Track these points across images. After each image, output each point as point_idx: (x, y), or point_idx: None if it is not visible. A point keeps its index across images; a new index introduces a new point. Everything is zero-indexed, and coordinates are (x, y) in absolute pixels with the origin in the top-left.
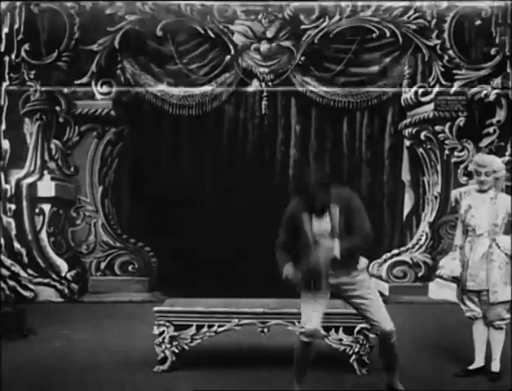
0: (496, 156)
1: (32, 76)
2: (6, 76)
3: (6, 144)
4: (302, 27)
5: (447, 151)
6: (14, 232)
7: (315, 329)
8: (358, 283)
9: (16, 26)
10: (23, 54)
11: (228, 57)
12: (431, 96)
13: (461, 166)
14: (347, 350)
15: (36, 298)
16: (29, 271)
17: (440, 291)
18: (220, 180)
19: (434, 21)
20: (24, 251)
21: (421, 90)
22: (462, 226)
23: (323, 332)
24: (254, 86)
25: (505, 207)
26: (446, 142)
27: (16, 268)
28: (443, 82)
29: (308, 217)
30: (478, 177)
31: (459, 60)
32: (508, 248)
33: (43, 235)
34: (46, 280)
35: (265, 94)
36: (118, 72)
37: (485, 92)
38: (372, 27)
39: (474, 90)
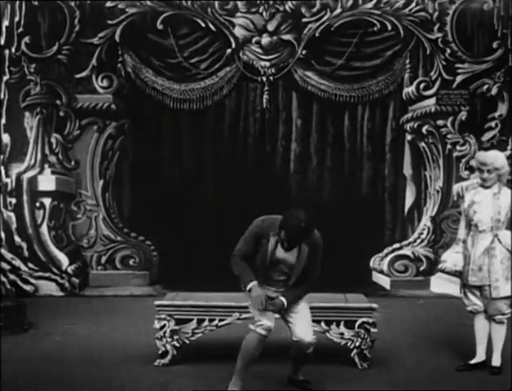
0: (498, 152)
1: (32, 70)
2: (7, 70)
3: (6, 138)
4: (304, 20)
5: (449, 146)
6: (14, 226)
7: (271, 325)
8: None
9: (16, 19)
10: (23, 47)
11: (229, 51)
12: (433, 90)
13: (463, 160)
14: (348, 344)
15: (36, 292)
16: (30, 265)
17: (442, 285)
18: (221, 174)
19: (435, 14)
20: (24, 245)
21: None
22: (465, 221)
23: (309, 342)
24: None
25: (508, 202)
26: (448, 136)
27: (17, 262)
28: (445, 76)
29: (275, 242)
30: (481, 175)
31: (461, 54)
32: (510, 243)
33: (44, 228)
34: (46, 274)
35: (266, 88)
36: (119, 65)
37: (487, 86)
38: (373, 20)
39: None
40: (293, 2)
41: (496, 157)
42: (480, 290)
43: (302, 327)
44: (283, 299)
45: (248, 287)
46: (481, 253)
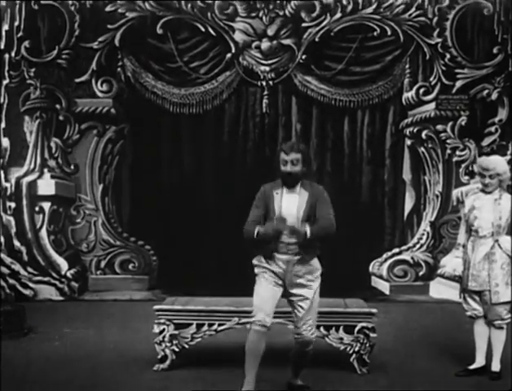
0: (500, 157)
1: (32, 74)
2: (6, 74)
3: (6, 142)
4: (303, 25)
5: (448, 151)
6: (14, 230)
7: (265, 319)
8: (308, 278)
9: (16, 23)
10: (23, 51)
11: (229, 55)
12: (433, 95)
13: (463, 165)
14: (348, 349)
15: (36, 296)
16: (29, 269)
17: (442, 290)
18: (221, 178)
19: (435, 19)
20: (24, 249)
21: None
22: (465, 226)
23: (307, 338)
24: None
25: (508, 208)
26: (448, 141)
27: (16, 266)
28: (445, 81)
29: (280, 194)
30: (483, 180)
31: (461, 59)
32: (510, 248)
33: (43, 233)
34: (46, 278)
35: (266, 92)
36: (119, 70)
37: (487, 91)
38: (373, 25)
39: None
40: (293, 6)
41: (498, 162)
42: (480, 295)
43: (307, 321)
44: (307, 228)
45: (264, 229)
46: (481, 258)
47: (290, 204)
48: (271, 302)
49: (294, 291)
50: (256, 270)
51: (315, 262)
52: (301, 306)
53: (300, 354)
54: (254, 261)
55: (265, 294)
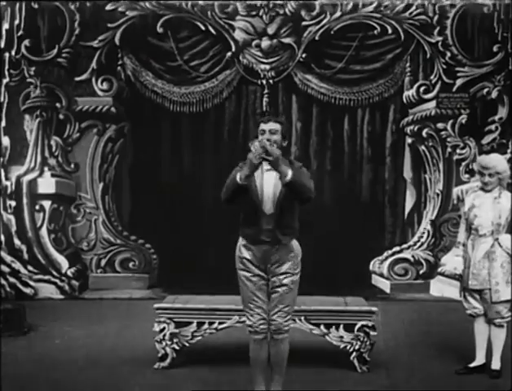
0: (500, 156)
1: (32, 73)
2: (6, 73)
3: (6, 141)
4: (304, 23)
5: (449, 149)
6: (14, 229)
7: (259, 320)
8: (287, 264)
9: (16, 22)
10: (23, 50)
11: (229, 54)
12: (433, 93)
13: (463, 163)
14: (348, 348)
15: (36, 295)
16: (30, 268)
17: (442, 288)
18: (221, 177)
19: (436, 18)
20: (24, 248)
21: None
22: (465, 224)
23: (279, 325)
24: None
25: (508, 206)
26: (448, 139)
27: (17, 265)
28: (446, 79)
29: (260, 171)
30: (482, 179)
31: (461, 57)
32: (510, 246)
33: (43, 231)
34: (46, 277)
35: (266, 91)
36: (119, 68)
37: (487, 89)
38: (373, 23)
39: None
40: (293, 5)
41: (497, 161)
42: (480, 293)
43: (282, 308)
44: (289, 170)
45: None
46: (481, 257)
47: (269, 180)
48: (261, 303)
49: (274, 278)
50: (237, 265)
51: (295, 247)
52: (277, 292)
53: (273, 343)
54: (236, 252)
55: (251, 296)
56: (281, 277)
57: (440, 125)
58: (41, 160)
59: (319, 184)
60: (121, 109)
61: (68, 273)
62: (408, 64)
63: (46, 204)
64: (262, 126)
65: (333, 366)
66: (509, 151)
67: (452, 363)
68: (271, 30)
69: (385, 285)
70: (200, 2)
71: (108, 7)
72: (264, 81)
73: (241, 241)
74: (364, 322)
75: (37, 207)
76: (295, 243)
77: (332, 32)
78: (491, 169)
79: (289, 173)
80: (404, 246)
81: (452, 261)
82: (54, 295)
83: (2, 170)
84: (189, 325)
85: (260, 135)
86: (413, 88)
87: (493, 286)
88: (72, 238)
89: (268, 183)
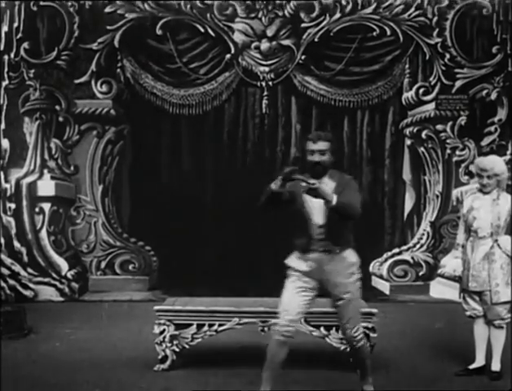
0: (498, 158)
1: (31, 75)
2: (6, 75)
3: (5, 143)
4: (303, 25)
5: (448, 150)
6: (14, 231)
7: (287, 324)
8: (342, 275)
9: (16, 25)
10: (22, 53)
11: (228, 56)
12: (433, 95)
13: (463, 165)
14: (348, 349)
15: (36, 297)
16: (29, 270)
17: (442, 290)
18: (220, 179)
19: (435, 19)
20: (24, 250)
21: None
22: (464, 226)
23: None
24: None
25: (507, 208)
26: (447, 141)
27: (16, 267)
28: (445, 81)
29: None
30: (481, 181)
31: (460, 59)
32: (509, 248)
33: (43, 234)
34: (46, 279)
35: (265, 93)
36: (118, 71)
37: (486, 91)
38: (372, 25)
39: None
40: (293, 7)
41: (495, 163)
42: (480, 295)
43: (349, 319)
44: (334, 195)
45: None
46: (481, 259)
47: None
48: (294, 310)
49: (330, 290)
50: (288, 272)
51: (350, 256)
52: (338, 305)
53: (353, 352)
54: (287, 261)
55: (289, 301)
56: (339, 291)
57: (439, 127)
58: (40, 162)
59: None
60: (121, 111)
61: (68, 275)
62: (407, 66)
63: (46, 206)
64: (311, 146)
65: (333, 367)
66: (508, 152)
67: (451, 365)
68: (270, 32)
69: (384, 287)
70: (199, 4)
71: (108, 10)
72: (263, 83)
73: (295, 252)
74: (364, 324)
75: (37, 209)
76: (350, 253)
77: (331, 34)
78: (489, 170)
79: (333, 199)
80: (404, 248)
81: (451, 263)
82: (54, 297)
83: (2, 173)
84: (189, 327)
85: (309, 155)
86: (412, 90)
87: (493, 287)
88: (72, 240)
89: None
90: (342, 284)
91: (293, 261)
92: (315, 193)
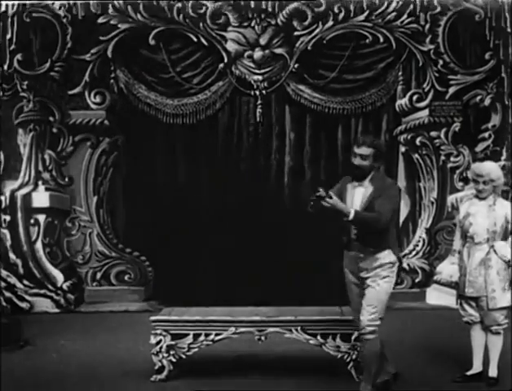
0: (493, 163)
1: (25, 87)
2: None
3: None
4: (296, 33)
5: (442, 157)
6: (9, 243)
7: (355, 317)
8: (375, 272)
9: (8, 36)
10: (15, 64)
11: (222, 65)
12: (426, 102)
13: (457, 171)
14: (345, 357)
15: (32, 309)
16: (25, 282)
17: (438, 296)
18: (215, 188)
19: (427, 26)
20: (19, 262)
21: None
22: (461, 232)
23: (363, 323)
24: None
25: (503, 214)
26: (442, 147)
27: (12, 279)
28: (438, 87)
29: (352, 187)
30: (477, 186)
31: (454, 65)
32: (506, 254)
33: (38, 245)
34: (42, 291)
35: (259, 101)
36: (111, 81)
37: (480, 97)
38: (365, 32)
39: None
40: (285, 15)
41: (491, 169)
42: (476, 301)
43: (367, 306)
44: (351, 209)
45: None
46: (477, 265)
47: (356, 197)
48: (355, 302)
49: (364, 283)
50: None
51: (384, 257)
52: (365, 294)
53: (362, 343)
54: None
55: (350, 295)
56: (368, 281)
57: (434, 134)
58: (35, 174)
59: (313, 194)
60: (115, 122)
61: (64, 286)
62: (400, 73)
63: (41, 217)
64: (355, 149)
65: (330, 375)
66: (502, 158)
67: (449, 371)
68: (263, 41)
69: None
70: (192, 13)
71: (100, 20)
72: (257, 92)
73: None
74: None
75: (32, 221)
76: (385, 254)
77: (324, 42)
78: (485, 176)
79: (350, 215)
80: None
81: (447, 269)
82: (50, 309)
83: None
84: (185, 337)
85: (352, 157)
86: (406, 97)
87: (490, 293)
88: (68, 251)
89: (356, 197)
90: (373, 281)
91: (345, 258)
92: (332, 208)
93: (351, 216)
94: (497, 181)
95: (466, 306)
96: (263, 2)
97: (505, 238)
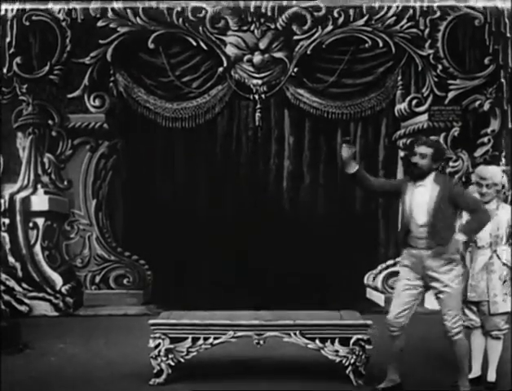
0: (498, 168)
1: (24, 90)
2: None
3: None
4: (295, 38)
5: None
6: (8, 246)
7: (393, 318)
8: (442, 270)
9: (8, 40)
10: (15, 67)
11: (221, 69)
12: (425, 106)
13: (456, 176)
14: (343, 361)
15: (31, 312)
16: (24, 285)
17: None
18: (214, 192)
19: (427, 31)
20: (18, 265)
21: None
22: None
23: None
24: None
25: (506, 218)
26: None
27: (11, 282)
28: (437, 92)
29: (412, 186)
30: (480, 189)
31: (453, 70)
32: (508, 259)
33: (37, 248)
34: (40, 294)
35: (258, 106)
36: (111, 85)
37: (479, 102)
38: (364, 37)
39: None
40: (285, 19)
41: (495, 172)
42: (478, 305)
43: (447, 311)
44: (458, 235)
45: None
46: (480, 269)
47: (417, 196)
48: (399, 305)
49: (432, 284)
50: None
51: (452, 256)
52: (439, 298)
53: (451, 344)
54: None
55: (396, 298)
56: (438, 285)
57: (433, 138)
58: (34, 177)
59: (312, 198)
60: (114, 126)
61: (63, 290)
62: (399, 78)
63: (40, 221)
64: (415, 148)
65: (328, 380)
66: (501, 163)
67: (447, 376)
68: (262, 45)
69: (379, 298)
70: (191, 17)
71: (100, 24)
72: (256, 96)
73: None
74: (359, 336)
75: (31, 224)
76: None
77: (323, 47)
78: (488, 179)
79: (462, 237)
80: (398, 259)
81: None
82: (48, 312)
83: None
84: (184, 341)
85: (412, 156)
86: (405, 101)
87: (491, 298)
88: (66, 255)
89: (417, 196)
90: (442, 279)
91: (401, 256)
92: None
93: (464, 238)
94: (500, 185)
95: (467, 311)
96: (263, 7)
97: (508, 243)
